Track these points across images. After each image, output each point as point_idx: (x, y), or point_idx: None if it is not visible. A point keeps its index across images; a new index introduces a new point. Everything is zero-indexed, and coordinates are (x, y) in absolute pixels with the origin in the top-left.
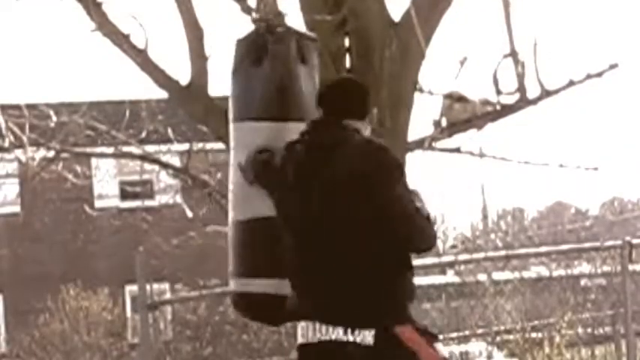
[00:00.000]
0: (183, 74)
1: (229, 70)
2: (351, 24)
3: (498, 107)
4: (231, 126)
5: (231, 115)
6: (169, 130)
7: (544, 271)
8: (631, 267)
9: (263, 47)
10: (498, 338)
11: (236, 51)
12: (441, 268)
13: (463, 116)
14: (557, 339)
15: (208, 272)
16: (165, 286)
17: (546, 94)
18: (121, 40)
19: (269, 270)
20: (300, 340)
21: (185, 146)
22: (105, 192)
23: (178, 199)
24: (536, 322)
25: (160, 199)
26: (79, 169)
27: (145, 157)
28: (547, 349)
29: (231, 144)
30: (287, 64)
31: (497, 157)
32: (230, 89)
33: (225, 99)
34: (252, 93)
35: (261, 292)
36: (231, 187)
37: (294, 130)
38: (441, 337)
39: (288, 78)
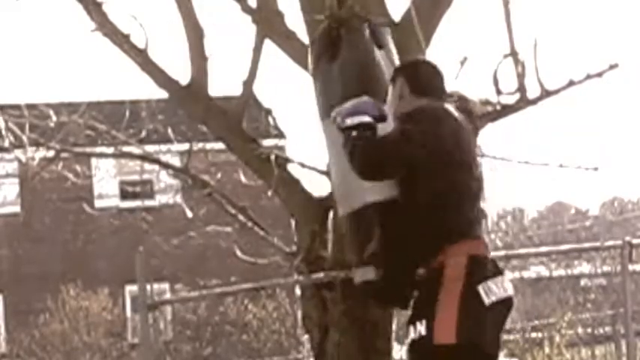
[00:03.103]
0: (183, 74)
1: (310, 72)
2: None
3: (498, 107)
4: (321, 125)
5: (319, 114)
6: (169, 130)
7: (544, 271)
8: (631, 267)
9: (338, 40)
10: None
11: (313, 51)
12: None
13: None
14: (557, 339)
15: (208, 272)
16: (166, 286)
17: (546, 94)
18: (121, 40)
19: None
20: (504, 291)
21: (185, 146)
22: (105, 192)
23: (178, 199)
24: (536, 322)
25: (160, 199)
26: (79, 169)
27: (145, 157)
28: (547, 349)
29: (325, 142)
30: (364, 53)
31: (497, 157)
32: (314, 89)
33: (225, 99)
34: (335, 87)
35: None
36: (333, 184)
37: None
38: None
39: (367, 64)
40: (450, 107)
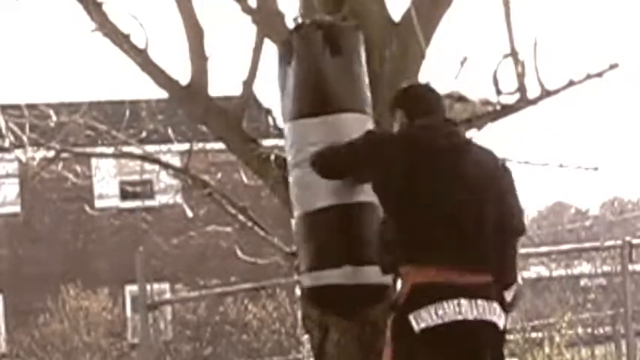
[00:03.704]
0: (183, 74)
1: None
2: None
3: (498, 107)
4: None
5: (282, 116)
6: (169, 130)
7: (544, 271)
8: (631, 267)
9: (290, 47)
10: None
11: (278, 52)
12: None
13: (463, 116)
14: (557, 339)
15: (208, 272)
16: (166, 286)
17: (546, 94)
18: (121, 40)
19: (336, 259)
20: (453, 317)
21: (185, 146)
22: (105, 192)
23: (178, 199)
24: (536, 322)
25: (160, 199)
26: (79, 169)
27: (145, 157)
28: (547, 349)
29: (285, 143)
30: (311, 60)
31: None
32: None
33: (225, 99)
34: (289, 93)
35: (329, 283)
36: (290, 184)
37: (336, 121)
38: None
39: (311, 73)
40: (426, 133)
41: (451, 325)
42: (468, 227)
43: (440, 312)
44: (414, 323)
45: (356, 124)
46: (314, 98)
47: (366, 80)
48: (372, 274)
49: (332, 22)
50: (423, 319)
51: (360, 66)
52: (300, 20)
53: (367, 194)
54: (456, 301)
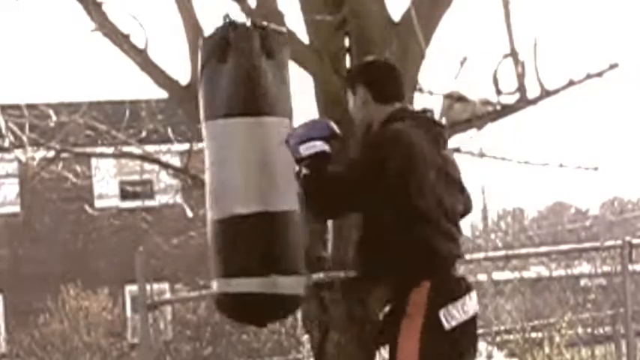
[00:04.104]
0: (183, 74)
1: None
2: (351, 24)
3: (498, 107)
4: (202, 125)
5: (202, 114)
6: (169, 130)
7: (544, 271)
8: (631, 267)
9: (227, 44)
10: (498, 338)
11: (203, 49)
12: None
13: (463, 116)
14: (557, 339)
15: (208, 272)
16: (165, 286)
17: (546, 94)
18: (121, 40)
19: (251, 269)
20: (464, 314)
21: (185, 146)
22: (105, 192)
23: (178, 199)
24: (536, 322)
25: (160, 199)
26: (79, 169)
27: (145, 157)
28: (547, 349)
29: (205, 143)
30: (251, 60)
31: (497, 157)
32: (200, 88)
33: None
34: (221, 90)
35: (244, 291)
36: (207, 187)
37: (268, 124)
38: None
39: (253, 73)
40: (411, 122)
41: (472, 319)
42: (455, 216)
43: (465, 307)
44: (444, 321)
45: (282, 130)
46: (250, 98)
47: (290, 86)
48: (291, 285)
49: (264, 24)
50: (453, 316)
51: (287, 71)
52: (233, 18)
53: (291, 203)
54: (470, 295)
